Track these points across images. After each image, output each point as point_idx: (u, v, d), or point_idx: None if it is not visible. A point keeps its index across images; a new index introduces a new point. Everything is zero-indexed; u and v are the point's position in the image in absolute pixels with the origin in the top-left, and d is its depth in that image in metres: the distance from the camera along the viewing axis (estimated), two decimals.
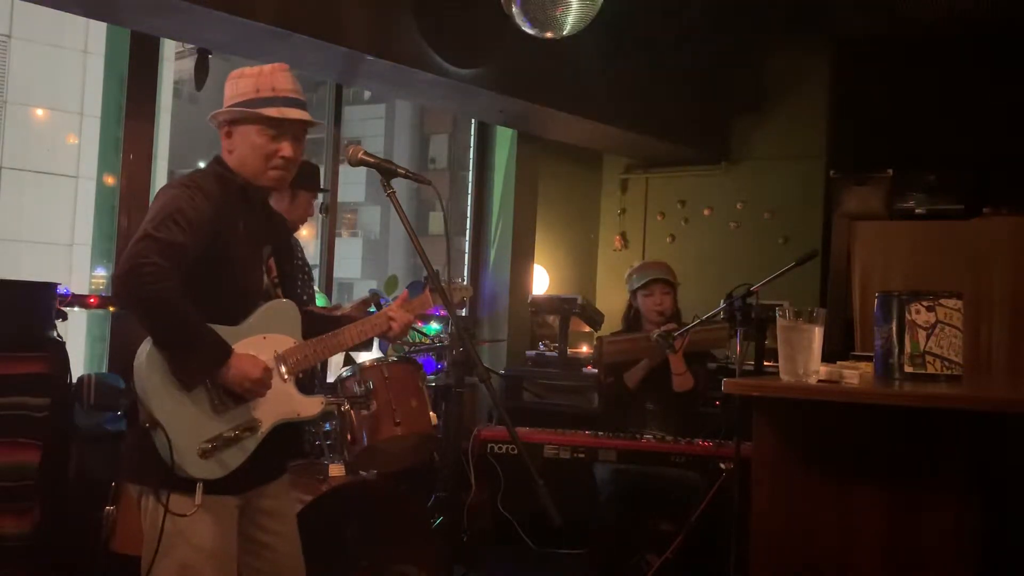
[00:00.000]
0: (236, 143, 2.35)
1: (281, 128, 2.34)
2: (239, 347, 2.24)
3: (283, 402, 2.35)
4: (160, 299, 2.09)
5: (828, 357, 2.72)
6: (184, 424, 2.17)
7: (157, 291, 2.08)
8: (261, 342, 2.32)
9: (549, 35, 4.01)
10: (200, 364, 2.17)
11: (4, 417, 3.30)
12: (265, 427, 2.31)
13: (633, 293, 4.26)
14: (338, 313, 3.60)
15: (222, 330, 2.22)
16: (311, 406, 2.43)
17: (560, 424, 4.31)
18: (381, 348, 3.98)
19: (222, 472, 2.23)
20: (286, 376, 2.36)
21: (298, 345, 2.40)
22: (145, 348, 2.18)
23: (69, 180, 8.96)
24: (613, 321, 5.20)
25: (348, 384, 3.34)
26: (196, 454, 2.18)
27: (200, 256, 2.20)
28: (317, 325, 2.52)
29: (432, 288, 2.68)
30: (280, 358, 2.36)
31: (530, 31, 4.02)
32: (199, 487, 2.20)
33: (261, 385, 2.25)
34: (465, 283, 2.66)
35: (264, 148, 2.34)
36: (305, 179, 3.65)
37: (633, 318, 4.28)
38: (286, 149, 2.35)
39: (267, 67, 2.38)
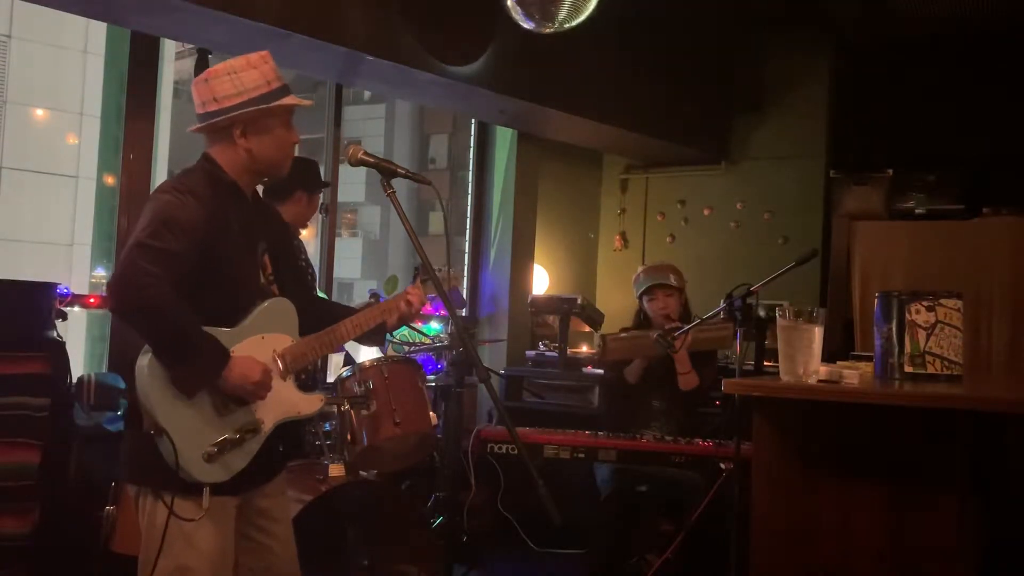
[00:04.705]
0: (256, 140, 2.31)
1: (291, 115, 2.38)
2: (238, 349, 2.23)
3: (284, 401, 2.35)
4: (155, 308, 2.07)
5: (828, 357, 2.72)
6: (188, 429, 2.16)
7: (152, 300, 2.06)
8: (260, 342, 2.30)
9: (547, 30, 4.01)
10: (199, 372, 2.15)
11: (4, 417, 3.30)
12: (267, 427, 2.30)
13: (639, 298, 4.30)
14: None
15: (220, 332, 2.21)
16: (311, 404, 2.43)
17: (560, 424, 4.31)
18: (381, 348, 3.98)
19: (227, 475, 2.22)
20: (286, 375, 2.36)
21: (296, 343, 2.39)
22: (146, 355, 2.15)
23: (69, 180, 8.97)
24: (613, 321, 5.20)
25: (348, 384, 3.33)
26: (202, 459, 2.17)
27: (195, 259, 2.17)
28: (328, 314, 2.52)
29: (423, 280, 2.67)
30: (279, 357, 2.35)
31: (526, 25, 4.02)
32: (206, 491, 2.18)
33: (261, 387, 2.24)
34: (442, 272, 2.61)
35: (289, 138, 2.38)
36: (309, 179, 3.65)
37: (642, 321, 4.31)
38: (296, 135, 2.40)
39: (255, 56, 2.33)
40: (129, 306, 2.08)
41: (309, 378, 3.29)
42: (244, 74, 2.30)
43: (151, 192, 2.30)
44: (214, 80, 2.30)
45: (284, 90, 2.33)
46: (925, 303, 2.67)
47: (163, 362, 2.13)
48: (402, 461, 3.56)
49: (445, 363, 4.54)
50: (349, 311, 2.58)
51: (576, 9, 3.92)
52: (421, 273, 2.71)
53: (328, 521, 3.23)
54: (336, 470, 3.21)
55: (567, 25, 4.00)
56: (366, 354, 3.84)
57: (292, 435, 3.29)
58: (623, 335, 4.21)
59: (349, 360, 3.91)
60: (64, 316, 3.63)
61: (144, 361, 2.15)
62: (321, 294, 4.32)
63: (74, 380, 3.63)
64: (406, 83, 4.69)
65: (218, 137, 2.34)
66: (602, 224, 6.73)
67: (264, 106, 2.29)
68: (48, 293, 3.55)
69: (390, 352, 4.03)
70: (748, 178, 6.17)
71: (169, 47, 6.19)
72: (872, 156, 5.64)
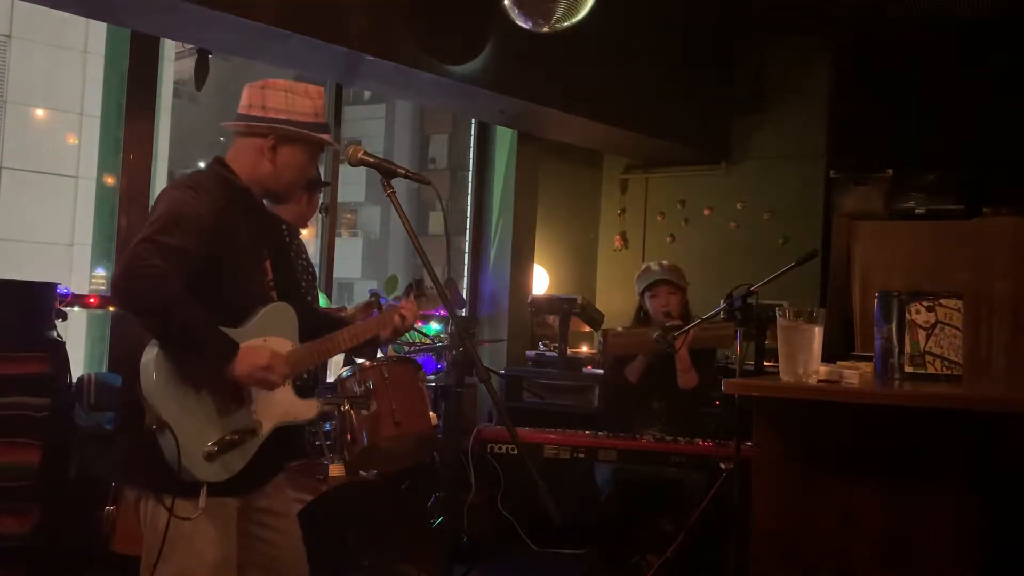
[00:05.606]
0: (282, 160, 2.38)
1: (321, 152, 2.49)
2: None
3: (282, 405, 2.36)
4: (160, 302, 2.07)
5: (828, 357, 2.72)
6: (189, 426, 2.16)
7: (157, 294, 2.06)
8: (261, 345, 2.31)
9: (544, 29, 4.00)
10: (208, 362, 2.16)
11: (4, 417, 3.30)
12: (265, 430, 2.31)
13: (641, 295, 4.29)
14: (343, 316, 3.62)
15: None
16: (308, 409, 2.45)
17: (560, 424, 4.31)
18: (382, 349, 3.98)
19: (226, 475, 2.22)
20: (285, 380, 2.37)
21: (295, 348, 2.40)
22: (152, 349, 2.15)
23: (69, 180, 8.98)
24: (612, 321, 5.20)
25: (348, 384, 3.34)
26: (202, 457, 2.17)
27: (202, 258, 2.18)
28: (324, 324, 2.53)
29: (417, 295, 2.70)
30: None
31: (523, 24, 4.02)
32: (203, 490, 2.18)
33: (271, 372, 2.23)
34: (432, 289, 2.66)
35: (308, 170, 2.46)
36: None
37: (643, 320, 4.31)
38: (315, 171, 2.45)
39: (313, 88, 2.42)
40: (131, 299, 2.09)
41: (311, 377, 3.30)
42: (299, 98, 2.38)
43: (162, 189, 2.32)
44: (270, 90, 2.37)
45: (325, 128, 2.44)
46: (925, 303, 2.67)
47: (170, 354, 2.14)
48: (402, 461, 3.56)
49: (445, 363, 4.55)
50: (343, 322, 2.62)
51: (572, 8, 3.92)
52: (415, 288, 2.74)
53: (328, 521, 3.23)
54: (336, 470, 3.21)
55: (564, 24, 4.00)
56: None
57: (290, 437, 3.29)
58: (624, 330, 4.21)
59: (349, 360, 3.91)
60: (64, 316, 3.64)
61: (150, 355, 2.15)
62: (321, 295, 4.33)
63: (74, 380, 3.63)
64: (406, 83, 4.70)
65: (246, 143, 2.38)
66: (602, 224, 6.73)
67: (307, 132, 2.37)
68: (48, 293, 3.55)
69: (390, 352, 4.03)
70: (748, 178, 6.17)
71: (169, 47, 6.21)
72: (872, 156, 5.64)
